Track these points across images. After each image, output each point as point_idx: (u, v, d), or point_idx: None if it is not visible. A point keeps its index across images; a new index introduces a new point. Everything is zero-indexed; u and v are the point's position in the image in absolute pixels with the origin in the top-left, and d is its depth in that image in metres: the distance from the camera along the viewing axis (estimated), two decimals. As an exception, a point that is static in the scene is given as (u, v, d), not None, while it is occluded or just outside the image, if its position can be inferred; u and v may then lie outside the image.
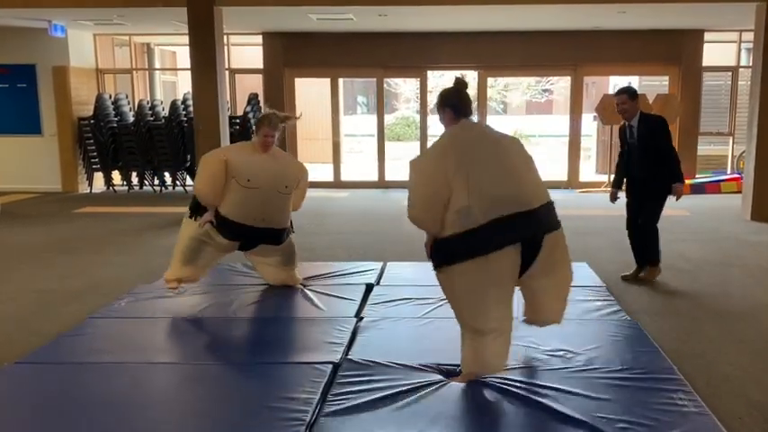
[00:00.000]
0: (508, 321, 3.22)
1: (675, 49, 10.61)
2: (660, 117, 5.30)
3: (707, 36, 10.62)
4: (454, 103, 3.30)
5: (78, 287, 5.22)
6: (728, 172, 11.09)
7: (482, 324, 3.14)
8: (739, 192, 10.09)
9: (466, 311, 3.20)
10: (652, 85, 11.94)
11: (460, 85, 3.39)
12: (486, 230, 3.03)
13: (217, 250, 4.51)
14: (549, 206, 3.26)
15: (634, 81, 12.57)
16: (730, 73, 11.16)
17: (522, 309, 3.51)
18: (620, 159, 5.48)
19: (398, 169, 10.56)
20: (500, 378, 3.23)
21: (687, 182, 10.32)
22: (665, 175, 5.16)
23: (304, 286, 4.79)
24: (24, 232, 7.50)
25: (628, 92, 5.17)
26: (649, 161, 5.15)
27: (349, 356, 3.53)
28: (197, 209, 4.42)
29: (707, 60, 10.74)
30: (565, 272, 3.43)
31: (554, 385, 3.15)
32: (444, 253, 3.14)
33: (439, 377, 3.28)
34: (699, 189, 10.21)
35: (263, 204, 4.35)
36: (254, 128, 4.54)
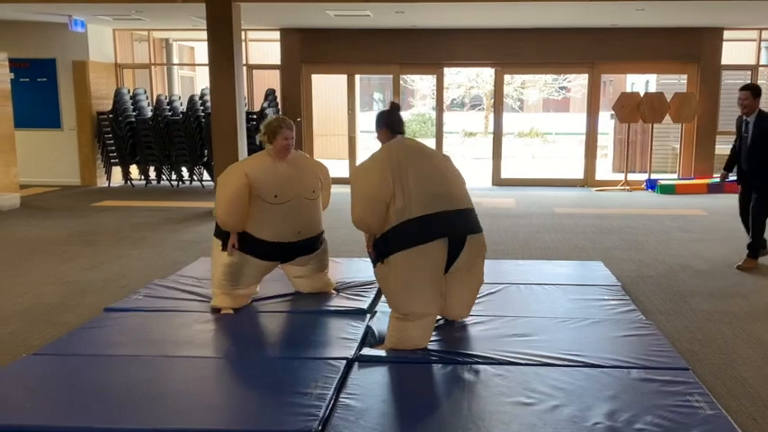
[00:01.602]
0: (433, 308, 3.64)
1: (694, 48, 10.52)
2: None
3: (726, 34, 10.51)
4: (388, 123, 3.80)
5: (96, 280, 5.28)
6: (747, 172, 10.98)
7: (408, 309, 3.55)
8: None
9: (397, 299, 3.60)
10: (670, 83, 11.84)
11: (394, 107, 3.94)
12: (419, 223, 3.49)
13: (257, 271, 4.29)
14: (474, 212, 3.75)
15: (652, 79, 12.48)
16: (749, 72, 11.04)
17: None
18: (733, 147, 5.85)
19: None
20: (514, 377, 3.23)
21: (704, 181, 10.27)
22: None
23: (337, 291, 4.63)
24: (43, 225, 7.59)
25: (752, 89, 5.56)
26: (756, 157, 5.50)
27: (362, 352, 3.55)
28: (222, 234, 4.20)
29: (726, 59, 10.64)
30: (480, 273, 3.88)
31: (568, 385, 3.15)
32: (382, 247, 3.57)
33: (452, 372, 3.29)
34: (716, 189, 10.11)
35: (295, 217, 4.17)
36: (262, 136, 4.23)
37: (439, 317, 3.90)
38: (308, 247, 4.37)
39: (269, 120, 4.26)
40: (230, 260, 4.16)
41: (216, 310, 4.24)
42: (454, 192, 3.66)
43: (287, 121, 4.23)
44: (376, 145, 3.85)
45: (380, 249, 3.58)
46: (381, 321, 4.01)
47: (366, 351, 3.60)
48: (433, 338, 3.73)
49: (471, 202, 3.75)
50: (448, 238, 3.54)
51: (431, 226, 3.49)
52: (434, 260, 3.54)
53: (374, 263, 3.68)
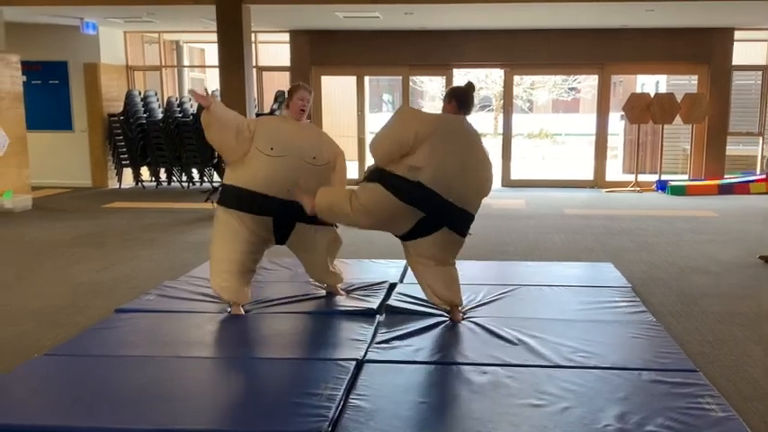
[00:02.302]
0: (366, 224, 3.96)
1: (704, 48, 10.47)
2: None
3: (737, 35, 10.46)
4: (461, 99, 3.88)
5: (106, 281, 5.31)
6: (757, 172, 10.93)
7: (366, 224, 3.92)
8: (769, 193, 9.99)
9: (362, 214, 3.81)
10: (680, 84, 11.79)
11: (470, 87, 3.96)
12: (419, 187, 3.66)
13: (254, 243, 4.13)
14: (470, 217, 3.91)
15: (662, 80, 12.42)
16: (761, 72, 10.99)
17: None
18: None
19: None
20: (525, 378, 3.23)
21: (715, 182, 10.22)
22: None
23: (347, 293, 4.57)
24: (55, 227, 7.64)
25: None
26: None
27: (371, 353, 3.55)
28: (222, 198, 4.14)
29: (737, 59, 10.58)
30: (440, 267, 3.99)
31: (578, 387, 3.15)
32: (376, 175, 3.79)
33: (462, 373, 3.29)
34: (727, 190, 10.07)
35: (288, 173, 3.99)
36: (285, 101, 4.27)
37: (445, 309, 4.08)
38: (304, 213, 4.05)
39: (294, 84, 4.32)
40: (225, 225, 4.08)
41: (228, 309, 4.23)
42: (468, 194, 3.81)
43: (307, 85, 4.31)
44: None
45: (373, 175, 3.83)
46: (391, 325, 4.01)
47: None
48: (442, 340, 3.73)
49: (472, 208, 3.90)
50: (426, 216, 3.75)
51: (424, 198, 3.68)
52: (400, 212, 3.74)
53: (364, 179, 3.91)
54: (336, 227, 4.41)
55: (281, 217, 4.12)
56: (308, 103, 4.20)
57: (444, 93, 3.96)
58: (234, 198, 4.09)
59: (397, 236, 3.98)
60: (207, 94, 3.95)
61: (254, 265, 4.31)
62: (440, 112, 3.99)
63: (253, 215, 4.08)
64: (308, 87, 4.27)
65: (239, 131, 4.02)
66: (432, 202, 3.70)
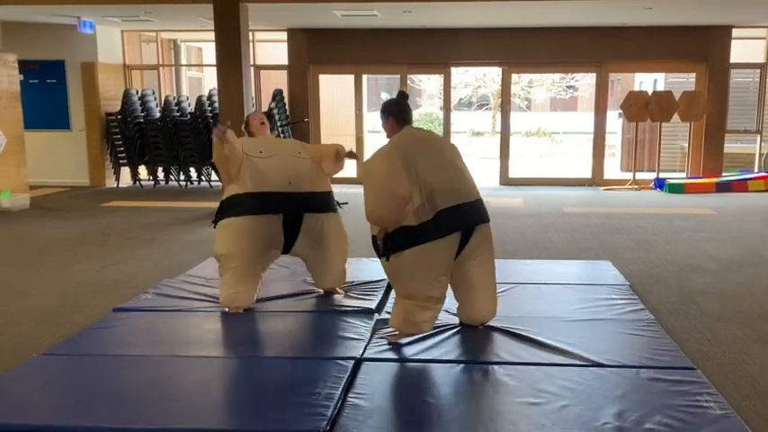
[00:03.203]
0: (439, 291, 3.64)
1: (703, 46, 10.47)
2: None
3: (735, 32, 10.46)
4: (397, 113, 3.75)
5: (105, 280, 5.30)
6: (756, 170, 10.94)
7: (416, 292, 3.59)
8: (767, 190, 9.99)
9: (405, 285, 3.62)
10: (679, 81, 11.80)
11: (402, 97, 3.87)
12: (436, 221, 3.46)
13: (262, 247, 4.22)
14: (482, 201, 3.77)
15: (660, 78, 12.43)
16: (759, 70, 11.00)
17: (458, 310, 3.92)
18: None
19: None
20: (523, 376, 3.23)
21: (714, 180, 10.23)
22: None
23: (345, 292, 4.60)
24: (53, 226, 7.63)
25: None
26: None
27: (370, 352, 3.55)
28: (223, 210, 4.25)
29: (735, 57, 10.58)
30: (490, 261, 3.83)
31: (576, 385, 3.15)
32: (398, 243, 3.51)
33: (461, 371, 3.29)
34: (725, 187, 10.08)
35: (283, 168, 4.22)
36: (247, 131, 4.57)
37: (460, 322, 3.92)
38: (311, 202, 4.28)
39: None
40: (235, 230, 4.16)
41: (226, 309, 4.24)
42: (466, 183, 3.69)
43: (257, 112, 4.72)
44: (383, 143, 3.82)
45: (394, 243, 3.52)
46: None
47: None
48: (441, 338, 3.74)
49: (479, 192, 3.76)
50: (460, 231, 3.57)
51: (446, 221, 3.49)
52: (446, 252, 3.57)
53: (382, 255, 3.61)
54: (339, 206, 4.56)
55: (289, 210, 4.22)
56: (263, 121, 4.52)
57: (380, 112, 3.82)
58: (238, 205, 4.17)
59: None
60: (224, 129, 4.11)
61: (261, 272, 4.40)
62: (390, 131, 3.79)
63: (259, 218, 4.15)
64: (254, 114, 4.63)
65: (239, 150, 4.24)
66: (459, 215, 3.55)
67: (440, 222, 3.47)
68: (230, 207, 4.21)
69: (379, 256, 3.65)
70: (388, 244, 3.54)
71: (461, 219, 3.57)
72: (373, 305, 4.31)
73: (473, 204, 3.66)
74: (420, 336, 3.75)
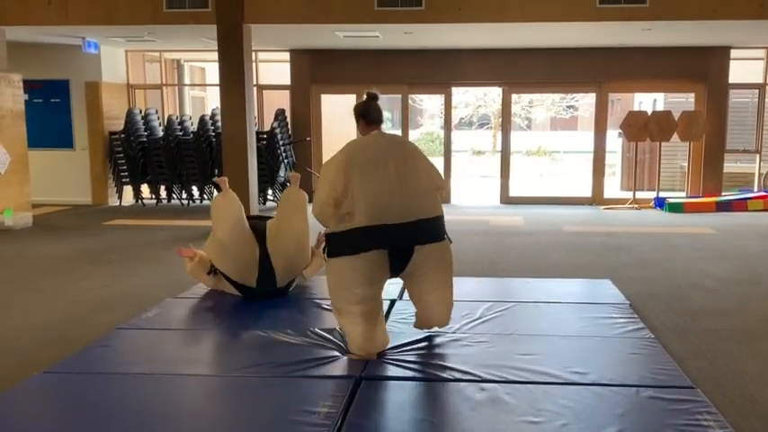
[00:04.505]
0: (372, 308, 3.65)
1: (701, 66, 10.56)
2: None
3: (733, 53, 10.55)
4: (365, 113, 3.84)
5: (107, 298, 5.32)
6: (755, 190, 10.98)
7: (340, 305, 3.68)
8: (766, 210, 10.02)
9: (332, 294, 3.72)
10: (678, 101, 11.88)
11: (370, 98, 3.89)
12: (360, 234, 3.51)
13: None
14: (435, 220, 3.68)
15: (659, 98, 12.51)
16: (757, 90, 11.07)
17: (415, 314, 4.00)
18: None
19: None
20: (523, 395, 3.24)
21: (713, 199, 10.26)
22: None
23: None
24: (55, 244, 7.66)
25: None
26: None
27: (371, 370, 3.56)
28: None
29: (733, 77, 10.67)
30: (439, 279, 3.79)
31: (576, 404, 3.15)
32: (329, 246, 3.65)
33: (460, 390, 3.30)
34: (725, 207, 10.10)
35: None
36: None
37: (427, 329, 4.01)
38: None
39: None
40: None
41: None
42: (407, 203, 3.59)
43: None
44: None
45: (328, 248, 3.67)
46: (391, 342, 4.03)
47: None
48: (440, 357, 3.75)
49: (431, 210, 3.68)
50: (388, 250, 3.56)
51: (371, 237, 3.51)
52: (371, 266, 3.56)
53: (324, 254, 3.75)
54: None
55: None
56: None
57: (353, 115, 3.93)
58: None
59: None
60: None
61: None
62: (363, 132, 3.90)
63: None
64: None
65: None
66: (386, 234, 3.53)
67: (364, 237, 3.51)
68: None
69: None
70: (326, 244, 3.68)
71: (388, 238, 3.54)
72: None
73: (411, 224, 3.57)
74: (419, 354, 3.77)
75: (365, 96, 3.91)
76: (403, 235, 3.58)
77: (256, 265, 4.68)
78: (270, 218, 5.06)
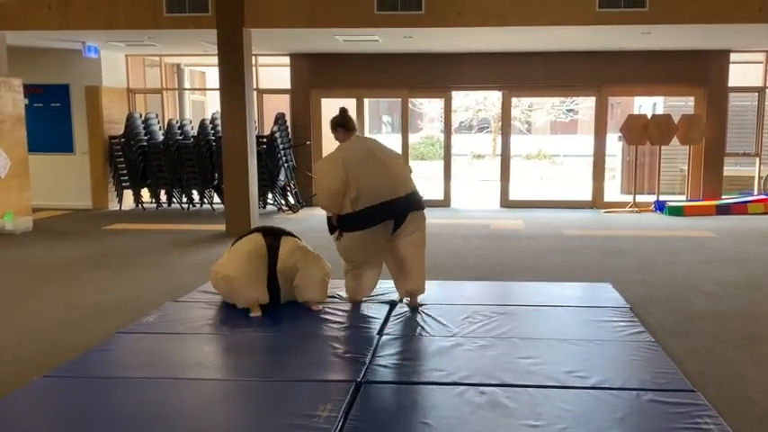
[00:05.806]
0: (376, 264, 4.84)
1: (701, 70, 10.57)
2: None
3: (733, 56, 10.57)
4: (342, 123, 4.76)
5: (107, 303, 5.33)
6: (755, 193, 10.99)
7: (357, 260, 4.74)
8: (766, 213, 10.02)
9: (348, 256, 4.75)
10: (677, 105, 11.88)
11: (343, 111, 4.82)
12: (368, 212, 4.49)
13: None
14: (414, 194, 4.71)
15: (659, 101, 12.52)
16: (757, 94, 11.09)
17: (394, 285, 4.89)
18: None
19: (423, 189, 10.59)
20: (523, 399, 3.24)
21: (713, 203, 10.27)
22: None
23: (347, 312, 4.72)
24: (55, 248, 7.66)
25: None
26: None
27: (371, 374, 3.56)
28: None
29: (733, 81, 10.68)
30: (422, 238, 4.80)
31: (576, 407, 3.16)
32: (341, 226, 4.61)
33: (461, 394, 3.30)
34: (725, 210, 10.11)
35: None
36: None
37: (403, 299, 4.86)
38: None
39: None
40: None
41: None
42: (396, 183, 4.60)
43: None
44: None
45: (339, 226, 4.61)
46: (391, 345, 4.03)
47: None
48: (441, 361, 3.75)
49: (411, 186, 4.70)
50: (393, 219, 4.57)
51: (377, 213, 4.50)
52: (380, 234, 4.59)
53: (331, 232, 4.71)
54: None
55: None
56: None
57: (330, 127, 4.81)
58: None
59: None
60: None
61: None
62: (342, 138, 4.74)
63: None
64: None
65: None
66: (389, 208, 4.52)
67: (372, 214, 4.49)
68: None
69: (330, 233, 4.72)
70: (337, 226, 4.61)
71: (391, 211, 4.54)
72: (376, 328, 4.32)
73: (400, 199, 4.57)
74: (419, 358, 3.76)
75: (339, 111, 4.82)
76: (402, 207, 4.62)
77: (265, 289, 4.73)
78: (287, 232, 4.99)
